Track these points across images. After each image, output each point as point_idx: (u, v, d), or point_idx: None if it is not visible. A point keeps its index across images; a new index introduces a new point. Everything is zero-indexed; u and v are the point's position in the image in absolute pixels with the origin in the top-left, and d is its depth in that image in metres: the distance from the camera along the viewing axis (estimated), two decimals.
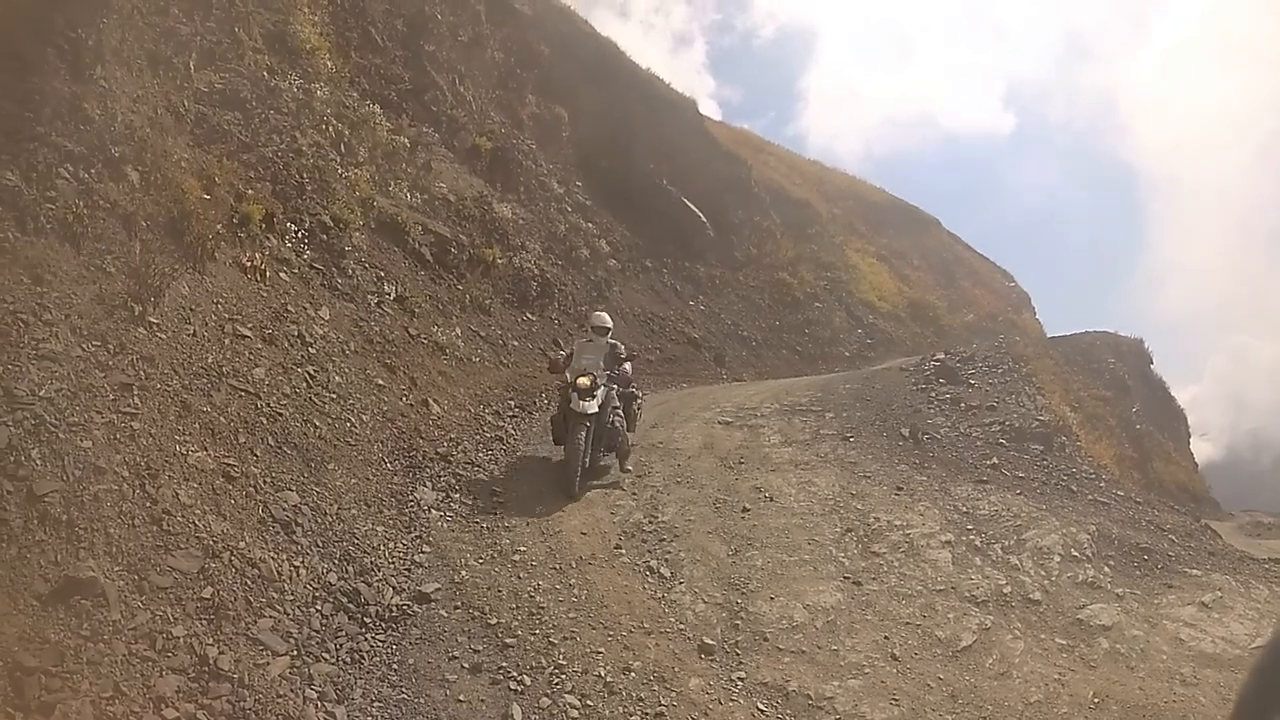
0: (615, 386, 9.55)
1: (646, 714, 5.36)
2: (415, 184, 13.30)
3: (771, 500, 8.86)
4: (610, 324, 10.09)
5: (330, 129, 11.57)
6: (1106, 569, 8.31)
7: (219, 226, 8.20)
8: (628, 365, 9.92)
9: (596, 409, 8.93)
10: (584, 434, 8.75)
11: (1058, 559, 8.25)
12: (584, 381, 8.91)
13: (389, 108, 13.67)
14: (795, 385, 13.95)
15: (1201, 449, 29.83)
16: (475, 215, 14.08)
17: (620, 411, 9.59)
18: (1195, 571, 8.78)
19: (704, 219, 20.78)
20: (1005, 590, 7.51)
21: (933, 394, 12.69)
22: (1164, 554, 9.06)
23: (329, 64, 12.30)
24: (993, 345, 16.63)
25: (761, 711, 5.47)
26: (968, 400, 12.32)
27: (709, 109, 41.06)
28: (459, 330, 11.72)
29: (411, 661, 5.59)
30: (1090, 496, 10.16)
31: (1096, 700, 6.21)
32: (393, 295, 10.86)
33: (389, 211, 12.01)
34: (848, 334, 21.90)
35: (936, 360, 14.32)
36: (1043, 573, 7.99)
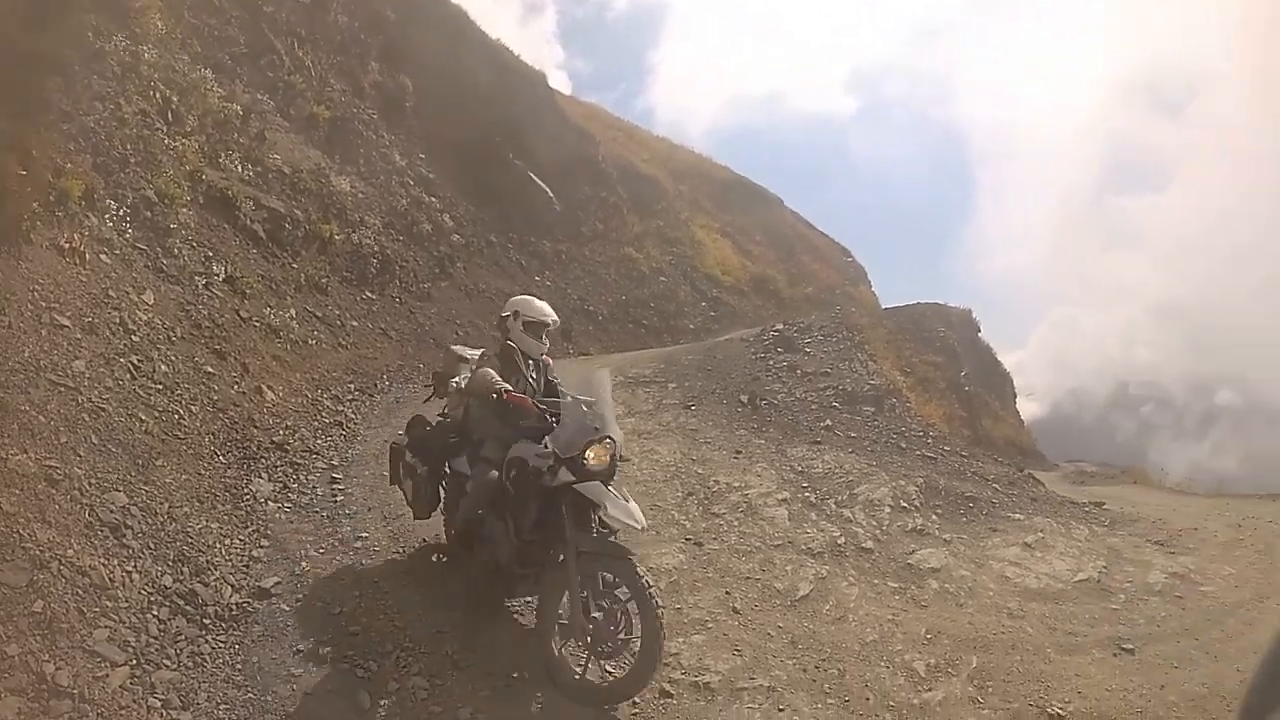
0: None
1: (496, 687, 5.34)
2: (248, 155, 12.52)
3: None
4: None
5: (157, 95, 10.78)
6: (934, 517, 8.87)
7: (35, 205, 7.56)
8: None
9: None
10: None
11: (888, 510, 8.76)
12: (601, 458, 5.36)
13: (222, 72, 12.90)
14: (640, 358, 14.17)
15: (1028, 408, 31.97)
16: (312, 189, 13.42)
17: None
18: (1018, 516, 9.45)
19: (551, 194, 20.58)
20: (839, 541, 7.95)
21: (771, 362, 13.08)
22: (988, 501, 9.71)
23: (159, 24, 11.37)
24: (829, 316, 17.23)
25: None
26: (804, 367, 12.80)
27: (559, 80, 40.64)
28: (294, 311, 11.19)
29: (256, 660, 5.39)
30: (918, 452, 10.76)
31: (929, 636, 6.61)
32: (222, 276, 10.20)
33: (219, 185, 11.31)
34: (693, 307, 22.20)
35: (776, 330, 14.75)
36: (874, 523, 8.48)
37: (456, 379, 6.63)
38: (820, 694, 5.76)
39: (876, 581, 7.39)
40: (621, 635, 5.25)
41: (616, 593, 5.26)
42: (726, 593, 6.87)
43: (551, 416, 5.69)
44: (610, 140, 26.05)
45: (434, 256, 16.03)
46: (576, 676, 5.30)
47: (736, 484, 8.77)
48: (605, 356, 15.58)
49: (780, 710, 5.52)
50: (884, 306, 26.54)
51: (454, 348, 7.12)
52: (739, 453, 9.62)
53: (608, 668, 5.34)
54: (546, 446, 5.49)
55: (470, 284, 16.51)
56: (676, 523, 7.98)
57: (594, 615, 5.22)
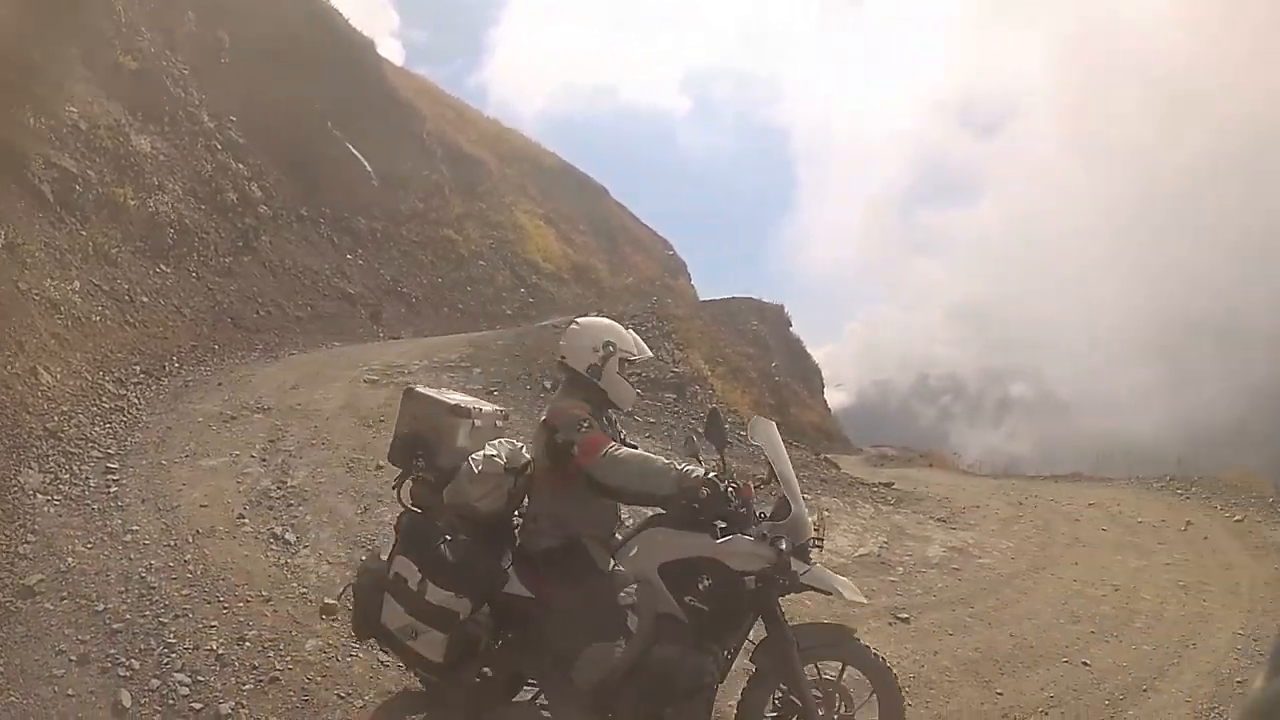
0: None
1: (260, 680, 5.25)
2: (41, 107, 11.53)
3: None
4: None
5: None
6: None
7: None
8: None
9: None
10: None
11: None
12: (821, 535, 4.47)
13: (16, 11, 11.75)
14: (450, 342, 14.00)
15: (836, 397, 33.57)
16: (108, 147, 12.50)
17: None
18: (806, 496, 9.82)
19: (370, 169, 19.94)
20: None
21: None
22: None
23: None
24: (642, 306, 17.58)
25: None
26: None
27: (391, 48, 39.52)
28: (78, 284, 10.49)
29: (18, 662, 5.12)
30: None
31: None
32: (1, 242, 9.51)
33: (5, 139, 10.52)
34: (511, 293, 22.06)
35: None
36: None
37: (479, 454, 4.38)
38: None
39: None
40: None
41: (826, 675, 4.43)
42: None
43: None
44: (438, 117, 25.54)
45: (238, 229, 15.24)
46: None
47: None
48: (414, 341, 15.33)
49: None
50: (701, 299, 27.19)
51: (425, 392, 4.68)
52: None
53: None
54: (765, 537, 4.17)
55: (276, 260, 15.82)
56: None
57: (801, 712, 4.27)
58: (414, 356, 12.49)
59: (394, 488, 4.60)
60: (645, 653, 4.07)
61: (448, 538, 4.19)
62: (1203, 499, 11.64)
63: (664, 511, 4.39)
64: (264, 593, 6.20)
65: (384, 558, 4.46)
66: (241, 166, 16.22)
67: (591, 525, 4.40)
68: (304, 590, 6.31)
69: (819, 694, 4.31)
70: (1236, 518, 10.65)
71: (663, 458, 4.19)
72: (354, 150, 19.86)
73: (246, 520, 7.19)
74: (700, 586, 4.16)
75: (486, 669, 4.36)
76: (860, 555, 8.52)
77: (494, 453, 4.35)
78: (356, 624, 4.60)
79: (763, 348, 21.51)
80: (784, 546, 4.09)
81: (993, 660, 6.61)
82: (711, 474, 4.10)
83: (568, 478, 4.19)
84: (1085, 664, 6.64)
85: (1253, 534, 10.04)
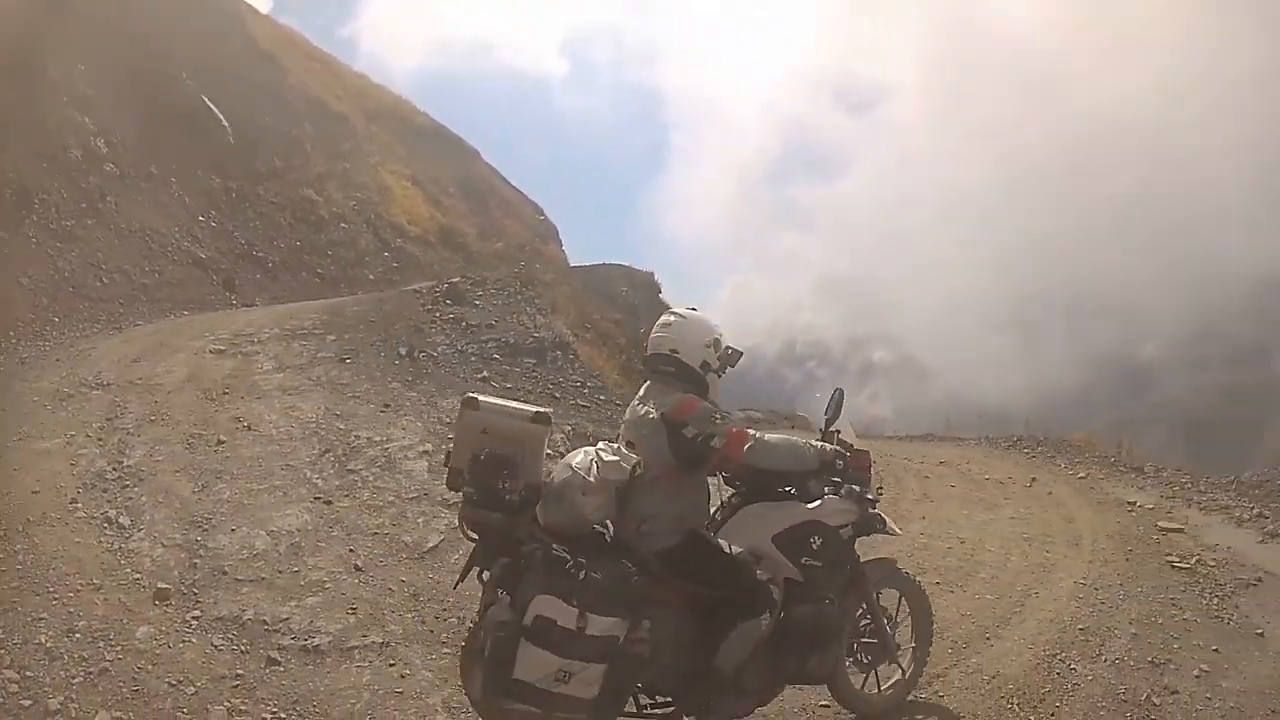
0: None
1: (90, 672, 5.03)
2: None
3: (250, 429, 8.54)
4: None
5: None
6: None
7: None
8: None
9: None
10: None
11: None
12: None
13: None
14: (304, 309, 13.55)
15: None
16: None
17: None
18: None
19: (226, 124, 18.97)
20: None
21: (438, 315, 12.99)
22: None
23: None
24: (508, 271, 17.39)
25: (216, 647, 5.39)
26: (469, 319, 12.82)
27: None
28: None
29: None
30: (572, 401, 11.23)
31: None
32: None
33: None
34: (374, 257, 21.33)
35: (450, 282, 14.71)
36: None
37: (581, 462, 4.12)
38: (436, 644, 5.82)
39: None
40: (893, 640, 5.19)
41: (883, 602, 5.16)
42: (350, 550, 6.77)
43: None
44: (303, 70, 24.59)
45: (82, 189, 14.37)
46: (877, 692, 5.16)
47: (379, 438, 8.66)
48: (268, 308, 14.77)
49: (391, 665, 5.53)
50: (572, 265, 26.94)
51: (494, 401, 4.29)
52: (388, 406, 9.51)
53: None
54: (852, 492, 4.73)
55: (123, 223, 14.91)
56: (308, 481, 7.73)
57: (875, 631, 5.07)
58: (265, 324, 12.05)
59: (461, 522, 4.06)
60: (781, 618, 4.34)
61: (582, 561, 3.87)
62: (1048, 458, 12.32)
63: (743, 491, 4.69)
64: (95, 580, 5.94)
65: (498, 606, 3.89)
66: (88, 121, 15.27)
67: (701, 516, 4.46)
68: (137, 576, 6.08)
69: (877, 620, 5.02)
70: (1080, 475, 11.31)
71: (793, 437, 4.62)
72: (210, 104, 18.88)
73: (79, 505, 6.86)
74: (813, 546, 4.50)
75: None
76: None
77: (612, 458, 4.09)
78: (484, 692, 3.91)
79: (632, 314, 21.54)
80: (868, 498, 4.77)
81: None
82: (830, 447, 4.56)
83: (684, 473, 4.29)
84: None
85: (1094, 490, 10.66)
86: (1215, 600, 7.35)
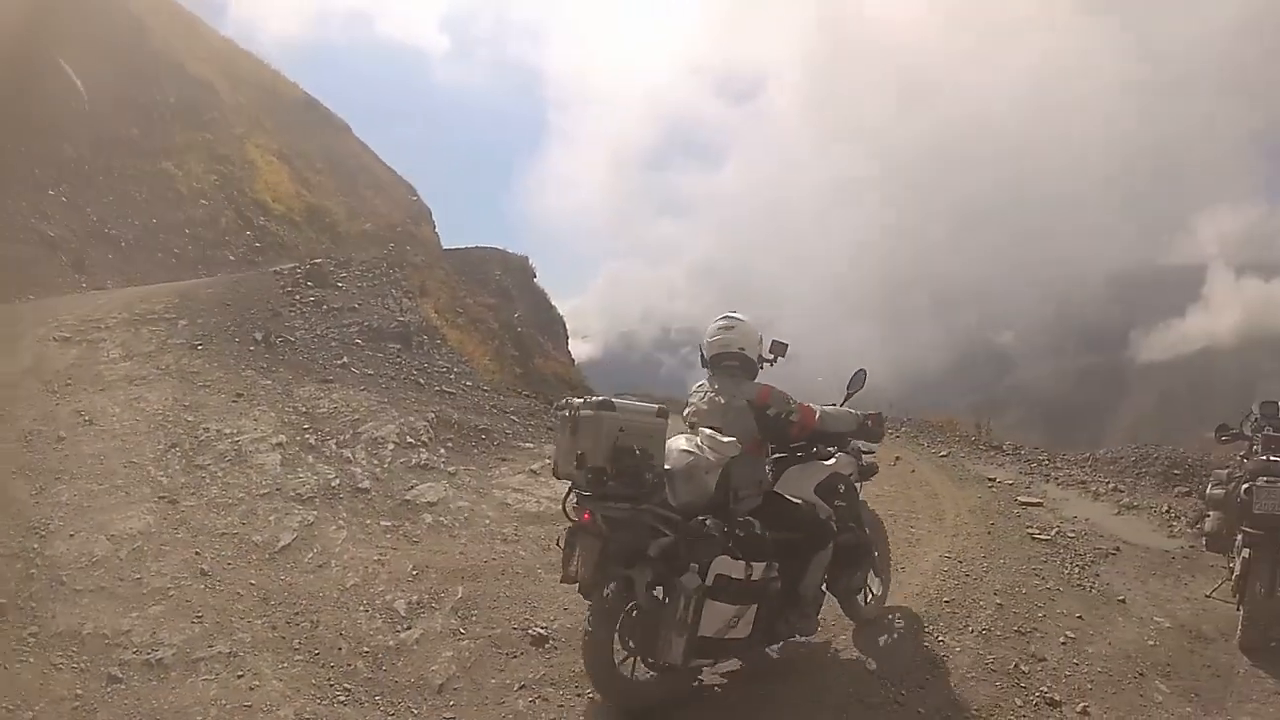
0: None
1: None
2: None
3: (92, 424, 7.98)
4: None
5: None
6: (442, 450, 8.98)
7: None
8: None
9: None
10: None
11: (391, 447, 8.69)
12: None
13: None
14: (156, 291, 12.76)
15: (583, 348, 34.10)
16: None
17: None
18: (529, 445, 9.90)
19: (81, 88, 17.80)
20: (334, 484, 7.73)
21: (298, 297, 12.50)
22: (503, 433, 10.05)
23: None
24: (375, 253, 16.91)
25: (55, 665, 4.98)
26: (331, 303, 12.42)
27: None
28: None
29: None
30: (437, 388, 10.89)
31: (415, 572, 6.55)
32: None
33: None
34: (235, 236, 20.32)
35: (313, 263, 14.21)
36: (375, 462, 8.37)
37: (696, 445, 5.03)
38: (288, 651, 5.48)
39: (369, 522, 7.24)
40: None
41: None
42: (197, 553, 6.33)
43: None
44: (166, 32, 23.35)
45: None
46: (866, 604, 6.27)
47: (229, 430, 8.22)
48: (120, 291, 13.83)
49: (239, 676, 5.17)
50: (445, 248, 26.35)
51: (625, 402, 4.95)
52: (240, 395, 9.06)
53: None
54: (847, 451, 6.02)
55: None
56: (152, 480, 7.22)
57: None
58: (114, 309, 11.30)
59: (594, 516, 4.75)
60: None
61: (752, 521, 5.01)
62: (911, 438, 12.63)
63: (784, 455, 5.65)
64: None
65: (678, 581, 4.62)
66: None
67: (766, 480, 5.40)
68: None
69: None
70: (942, 454, 11.65)
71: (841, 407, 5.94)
72: (65, 65, 17.65)
73: None
74: (840, 491, 5.77)
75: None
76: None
77: (725, 440, 5.02)
78: (686, 656, 4.68)
79: (506, 298, 21.29)
80: (863, 452, 6.15)
81: None
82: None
83: (763, 446, 5.45)
84: None
85: (956, 467, 10.99)
86: (1076, 570, 7.66)
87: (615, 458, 4.60)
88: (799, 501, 5.40)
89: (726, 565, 4.71)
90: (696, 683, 5.19)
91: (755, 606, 4.92)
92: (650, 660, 4.74)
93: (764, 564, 4.91)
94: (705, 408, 5.40)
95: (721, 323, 5.58)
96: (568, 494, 4.92)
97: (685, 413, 5.55)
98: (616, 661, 4.79)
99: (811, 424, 5.49)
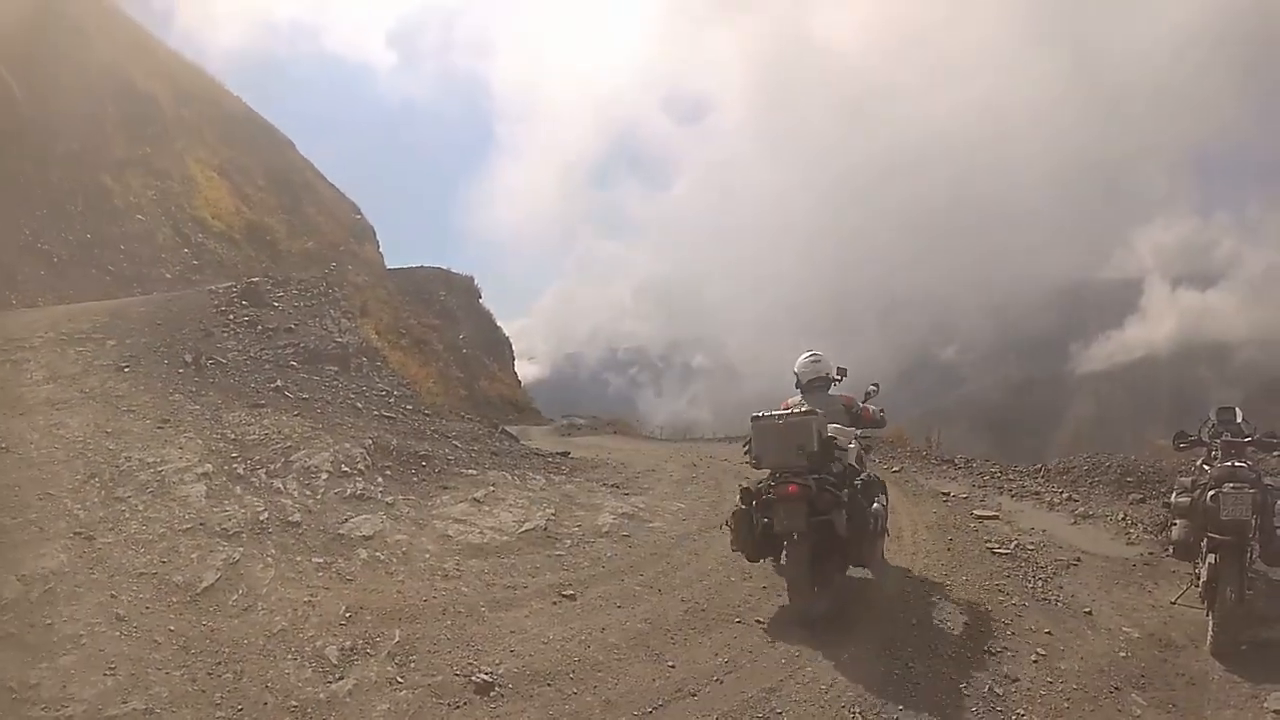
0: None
1: None
2: None
3: (8, 451, 7.50)
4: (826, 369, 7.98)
5: None
6: (379, 479, 8.65)
7: None
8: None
9: None
10: None
11: (325, 476, 8.35)
12: None
13: None
14: (86, 310, 12.32)
15: (529, 369, 33.99)
16: None
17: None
18: (472, 471, 9.60)
19: (18, 96, 17.16)
20: (263, 517, 7.32)
21: (232, 316, 12.12)
22: (444, 459, 9.75)
23: None
24: (315, 273, 16.49)
25: (35, 684, 4.68)
26: (266, 323, 12.05)
27: None
28: None
29: None
30: (376, 412, 10.57)
31: (349, 614, 6.17)
32: None
33: None
34: (172, 254, 19.65)
35: (250, 282, 13.80)
36: (308, 492, 8.01)
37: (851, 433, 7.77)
38: (209, 707, 5.05)
39: (299, 559, 6.84)
40: None
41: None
42: (113, 595, 5.86)
43: None
44: (110, 42, 22.47)
45: None
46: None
47: (152, 459, 7.78)
48: (50, 309, 13.24)
49: None
50: (389, 267, 25.92)
51: (819, 411, 7.28)
52: (166, 421, 8.64)
53: None
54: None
55: None
56: (69, 513, 6.73)
57: None
58: (40, 328, 10.84)
59: (796, 498, 6.61)
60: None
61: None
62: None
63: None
64: None
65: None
66: None
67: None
68: None
69: None
70: (894, 469, 11.65)
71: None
72: (2, 71, 17.02)
73: None
74: (870, 457, 8.49)
75: None
76: (525, 531, 8.20)
77: (846, 428, 7.58)
78: (880, 549, 7.85)
79: (450, 319, 21.08)
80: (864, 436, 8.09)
81: (664, 630, 6.49)
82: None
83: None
84: (759, 622, 6.68)
85: (910, 482, 11.03)
86: (1040, 583, 7.64)
87: (823, 446, 6.83)
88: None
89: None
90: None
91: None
92: (861, 564, 7.10)
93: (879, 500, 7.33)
94: (804, 411, 7.12)
95: (810, 358, 7.85)
96: (768, 479, 6.83)
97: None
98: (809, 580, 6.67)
99: (869, 417, 7.85)
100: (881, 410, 8.04)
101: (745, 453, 7.17)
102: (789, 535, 6.60)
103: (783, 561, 6.97)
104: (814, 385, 7.80)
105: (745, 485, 7.00)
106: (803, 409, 7.15)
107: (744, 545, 6.96)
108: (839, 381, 7.90)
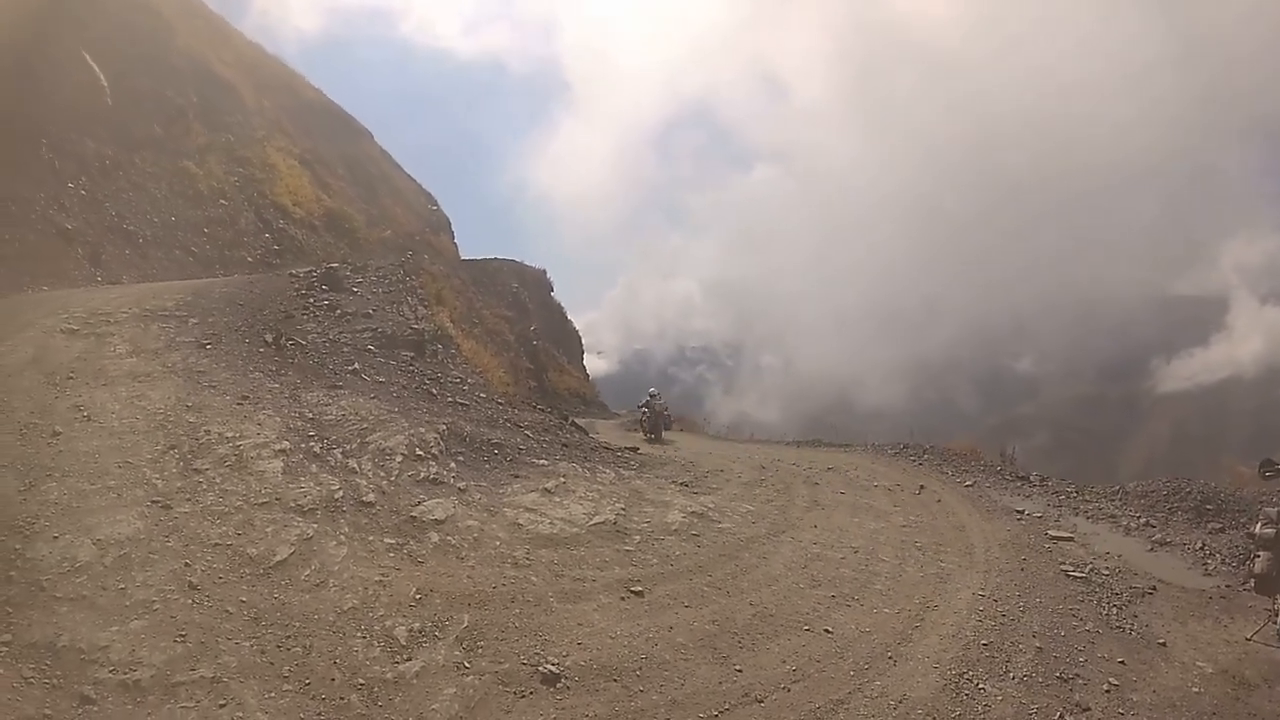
0: None
1: None
2: None
3: (90, 420, 7.61)
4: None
5: None
6: (452, 464, 8.66)
7: None
8: None
9: None
10: None
11: (400, 459, 8.36)
12: None
13: None
14: (169, 288, 12.55)
15: (598, 364, 34.03)
16: None
17: None
18: (543, 461, 9.59)
19: (105, 83, 17.46)
20: (338, 495, 7.34)
21: (311, 300, 12.28)
22: (516, 448, 9.73)
23: None
24: (392, 260, 16.68)
25: (26, 679, 4.67)
26: (345, 307, 12.18)
27: None
28: None
29: None
30: (450, 398, 10.58)
31: (419, 596, 6.20)
32: None
33: None
34: (254, 238, 20.08)
35: (329, 267, 13.97)
36: (382, 474, 8.02)
37: None
38: (276, 679, 5.11)
39: (372, 539, 6.87)
40: None
41: None
42: (186, 564, 5.92)
43: None
44: (191, 31, 23.12)
45: None
46: None
47: (231, 434, 7.84)
48: (134, 286, 13.57)
49: (221, 705, 4.81)
50: (463, 258, 26.20)
51: None
52: (245, 398, 8.72)
53: None
54: None
55: None
56: (147, 482, 6.82)
57: None
58: (124, 304, 11.00)
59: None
60: None
61: None
62: (934, 465, 12.40)
63: None
64: None
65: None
66: None
67: None
68: None
69: None
70: (967, 483, 11.42)
71: None
72: (89, 59, 17.35)
73: None
74: None
75: None
76: (595, 524, 8.15)
77: None
78: None
79: (522, 311, 21.17)
80: None
81: (731, 633, 6.44)
82: None
83: None
84: (827, 631, 6.61)
85: (983, 499, 10.76)
86: (1114, 610, 7.42)
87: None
88: None
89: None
90: None
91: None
92: None
93: None
94: None
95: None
96: None
97: None
98: None
99: None
100: None
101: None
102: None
103: None
104: None
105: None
106: None
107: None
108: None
